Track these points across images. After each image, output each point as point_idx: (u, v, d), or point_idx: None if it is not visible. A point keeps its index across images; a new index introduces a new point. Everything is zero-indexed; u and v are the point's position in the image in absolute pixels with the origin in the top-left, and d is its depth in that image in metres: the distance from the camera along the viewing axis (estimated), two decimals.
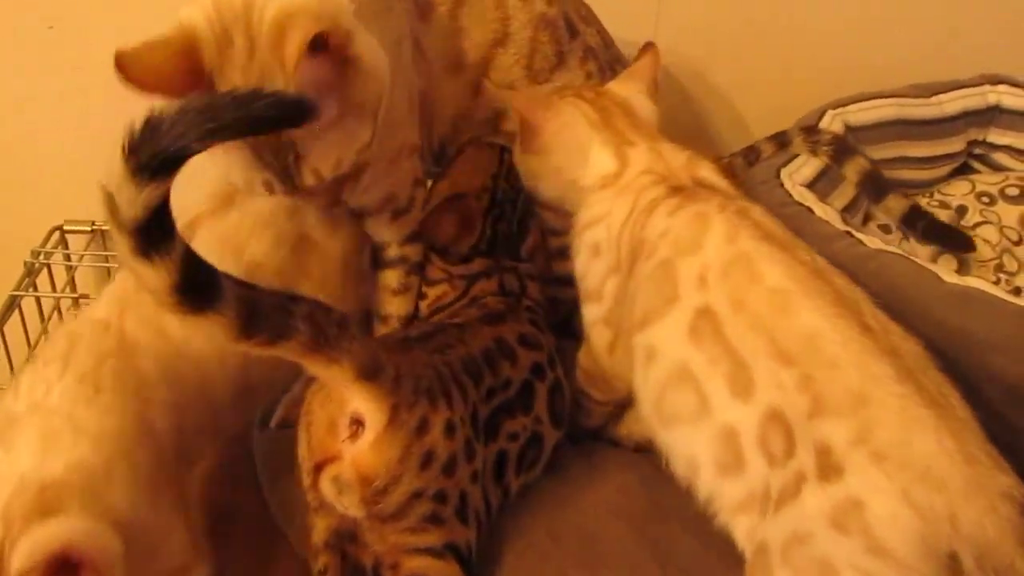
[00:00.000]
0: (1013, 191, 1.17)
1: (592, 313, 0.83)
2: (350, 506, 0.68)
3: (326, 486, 0.68)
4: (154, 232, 0.56)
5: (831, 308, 0.63)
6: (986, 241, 1.14)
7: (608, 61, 1.06)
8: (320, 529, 0.72)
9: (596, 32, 1.06)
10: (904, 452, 0.56)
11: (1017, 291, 1.10)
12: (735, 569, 0.70)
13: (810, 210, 0.96)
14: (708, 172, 0.83)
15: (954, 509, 0.54)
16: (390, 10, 0.90)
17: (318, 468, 0.69)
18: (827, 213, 0.95)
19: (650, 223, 0.76)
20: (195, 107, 0.53)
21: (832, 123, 1.12)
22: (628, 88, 0.92)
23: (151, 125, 0.53)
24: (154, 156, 0.53)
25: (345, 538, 0.71)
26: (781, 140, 1.09)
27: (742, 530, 0.64)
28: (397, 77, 0.87)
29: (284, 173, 0.75)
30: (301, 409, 0.72)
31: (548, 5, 1.01)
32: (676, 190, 0.79)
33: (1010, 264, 1.12)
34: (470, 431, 0.70)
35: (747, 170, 1.12)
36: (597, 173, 0.84)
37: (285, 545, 0.82)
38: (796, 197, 0.98)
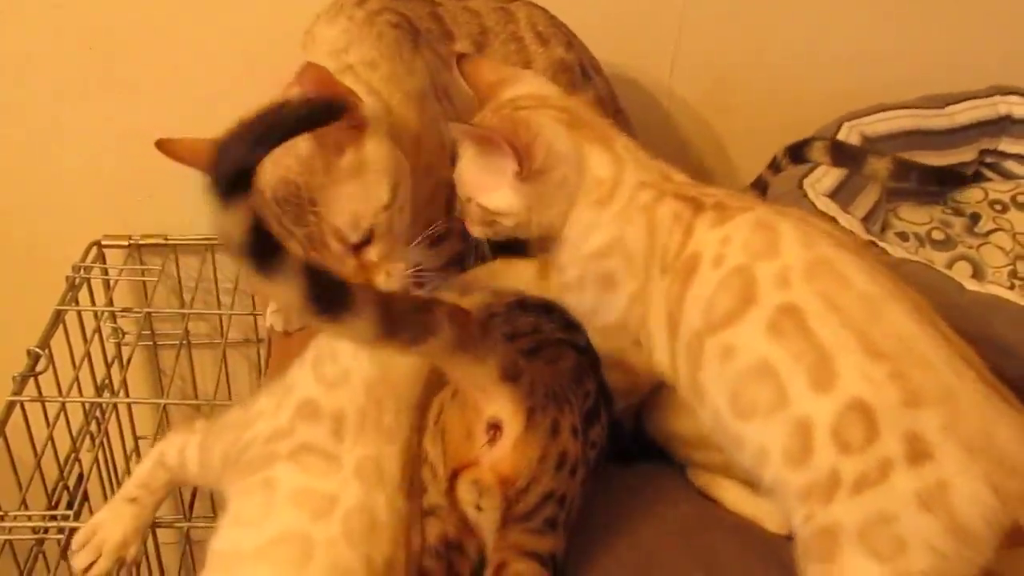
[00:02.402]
0: None
1: (618, 342, 0.83)
2: (488, 508, 0.70)
3: (464, 490, 0.70)
4: (265, 248, 0.57)
5: (916, 314, 0.69)
6: (999, 247, 1.18)
7: (614, 111, 1.13)
8: (431, 533, 0.73)
9: (605, 82, 1.13)
10: (987, 441, 0.62)
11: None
12: (774, 568, 0.75)
13: (834, 220, 0.99)
14: (681, 176, 0.86)
15: None
16: (411, 73, 0.96)
17: (455, 474, 0.70)
18: (851, 223, 0.99)
19: (696, 238, 0.78)
20: (245, 125, 0.56)
21: (849, 135, 1.16)
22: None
23: (219, 152, 0.56)
24: (228, 176, 0.56)
25: (453, 546, 0.73)
26: (796, 154, 1.13)
27: (800, 515, 0.68)
28: (425, 127, 0.94)
29: (309, 241, 0.81)
30: (430, 416, 0.74)
31: (566, 51, 1.08)
32: (690, 200, 0.81)
33: (1023, 270, 1.16)
34: (584, 437, 0.72)
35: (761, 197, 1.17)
36: (596, 175, 0.84)
37: None
38: (820, 207, 1.01)
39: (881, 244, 0.94)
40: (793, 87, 1.33)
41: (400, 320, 0.62)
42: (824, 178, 1.09)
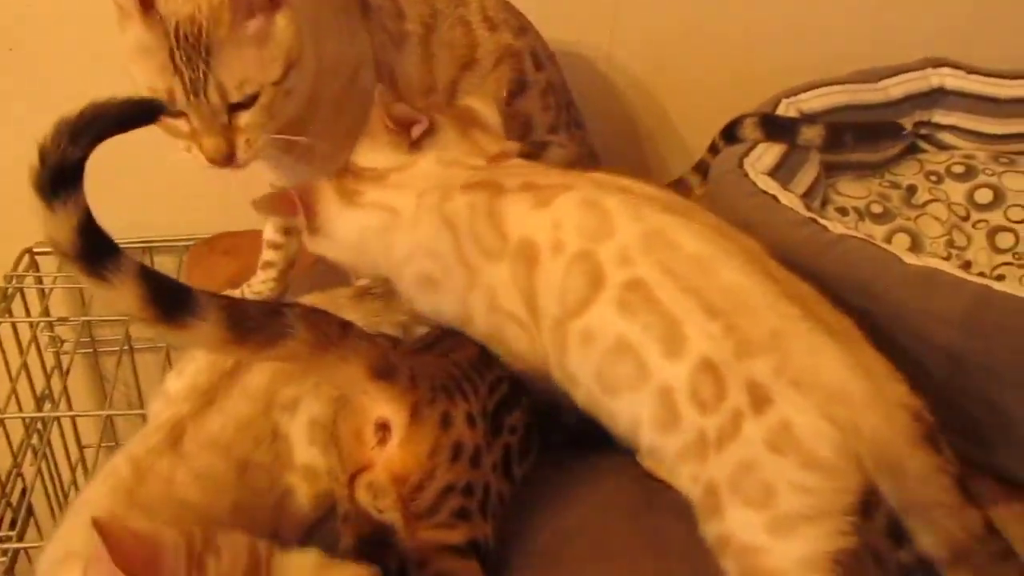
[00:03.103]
0: (959, 168, 1.23)
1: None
2: (386, 508, 0.70)
3: (362, 494, 0.70)
4: (97, 250, 0.57)
5: (743, 263, 0.71)
6: (936, 218, 1.20)
7: (566, 103, 1.14)
8: (347, 539, 0.74)
9: (557, 71, 1.14)
10: (813, 376, 0.65)
11: (967, 264, 1.16)
12: None
13: (775, 198, 1.00)
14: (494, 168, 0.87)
15: (857, 418, 0.63)
16: (353, 34, 0.98)
17: (352, 479, 0.71)
18: (791, 200, 0.99)
19: (515, 221, 0.78)
20: (65, 122, 0.56)
21: (787, 111, 1.17)
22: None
23: (41, 156, 0.56)
24: (51, 176, 0.56)
25: (373, 544, 0.73)
26: (729, 134, 1.14)
27: (685, 478, 0.70)
28: (348, 92, 0.97)
29: (191, 84, 0.82)
30: (327, 430, 0.74)
31: (515, 38, 1.09)
32: (480, 185, 0.81)
33: (960, 239, 1.18)
34: (486, 424, 0.73)
35: (703, 184, 1.18)
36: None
37: None
38: (761, 186, 1.02)
39: (822, 221, 0.95)
40: (731, 64, 1.33)
41: (249, 324, 0.61)
42: (764, 156, 1.09)
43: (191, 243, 1.30)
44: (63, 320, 1.25)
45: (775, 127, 1.12)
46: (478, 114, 0.95)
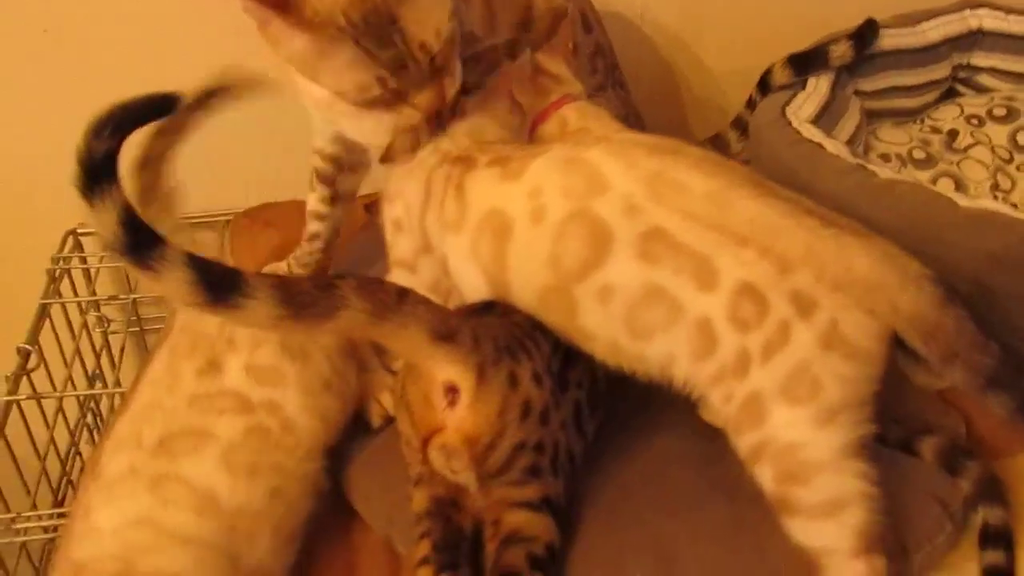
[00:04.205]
0: (1000, 111, 1.22)
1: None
2: (460, 469, 0.71)
3: (435, 456, 0.71)
4: (142, 242, 0.58)
5: (750, 190, 0.74)
6: (979, 161, 1.19)
7: (612, 63, 1.13)
8: (420, 499, 0.75)
9: (604, 34, 1.13)
10: (849, 274, 0.70)
11: (1014, 207, 1.15)
12: None
13: (820, 146, 0.99)
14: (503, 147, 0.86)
15: (895, 300, 0.70)
16: None
17: (425, 442, 0.71)
18: (837, 148, 0.99)
19: (478, 194, 0.80)
20: (92, 121, 0.59)
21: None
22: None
23: (78, 151, 0.58)
24: (84, 174, 0.57)
25: (446, 504, 0.74)
26: (763, 86, 1.13)
27: (718, 397, 0.73)
28: None
29: (395, 60, 0.77)
30: (395, 395, 0.74)
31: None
32: (461, 160, 0.82)
33: (1004, 183, 1.17)
34: (552, 382, 0.73)
35: (741, 139, 1.17)
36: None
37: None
38: (805, 135, 1.01)
39: (870, 167, 0.95)
40: (769, 16, 1.32)
41: (302, 299, 0.62)
42: (805, 104, 1.09)
43: (230, 218, 1.31)
44: (112, 299, 1.26)
45: (804, 61, 1.12)
46: (547, 69, 0.94)
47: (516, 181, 0.78)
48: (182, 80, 1.16)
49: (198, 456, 0.77)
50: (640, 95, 1.23)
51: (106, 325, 1.32)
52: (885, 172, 0.94)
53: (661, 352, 0.75)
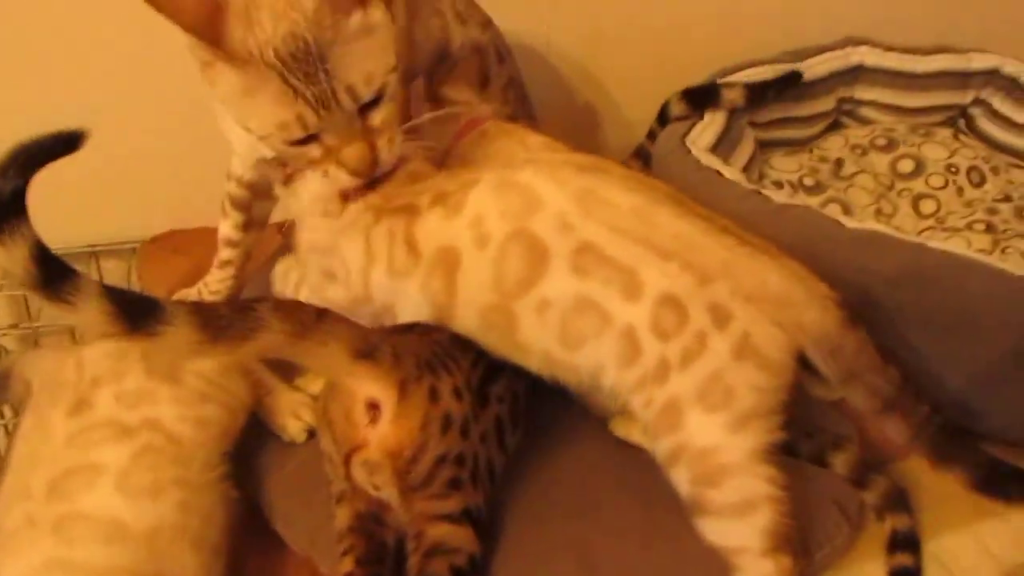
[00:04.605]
0: (882, 141, 1.30)
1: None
2: (383, 485, 0.72)
3: (358, 472, 0.73)
4: (55, 276, 0.58)
5: (673, 207, 0.79)
6: (864, 188, 1.27)
7: (522, 96, 1.17)
8: (343, 516, 0.76)
9: (515, 66, 1.17)
10: (762, 289, 0.75)
11: (896, 230, 1.23)
12: None
13: (719, 173, 1.05)
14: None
15: (801, 318, 0.75)
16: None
17: (347, 459, 0.73)
18: (734, 175, 1.04)
19: (429, 236, 0.82)
20: (3, 161, 0.58)
21: None
22: None
23: None
24: None
25: (369, 520, 0.75)
26: (662, 117, 1.18)
27: (639, 403, 0.77)
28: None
29: (319, 99, 0.78)
30: (316, 414, 0.75)
31: (481, 32, 1.10)
32: (402, 210, 0.84)
33: (887, 207, 1.25)
34: (471, 396, 0.75)
35: (644, 170, 1.21)
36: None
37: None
38: (704, 162, 1.06)
39: (765, 192, 1.00)
40: (668, 48, 1.37)
41: (220, 322, 0.63)
42: (704, 134, 1.14)
43: (136, 245, 1.29)
44: (12, 328, 1.22)
45: (698, 97, 1.18)
46: (454, 99, 0.99)
47: (459, 215, 0.80)
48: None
49: (93, 490, 0.76)
50: (543, 123, 1.26)
51: (5, 355, 1.28)
52: (779, 197, 1.00)
53: (591, 361, 0.78)
